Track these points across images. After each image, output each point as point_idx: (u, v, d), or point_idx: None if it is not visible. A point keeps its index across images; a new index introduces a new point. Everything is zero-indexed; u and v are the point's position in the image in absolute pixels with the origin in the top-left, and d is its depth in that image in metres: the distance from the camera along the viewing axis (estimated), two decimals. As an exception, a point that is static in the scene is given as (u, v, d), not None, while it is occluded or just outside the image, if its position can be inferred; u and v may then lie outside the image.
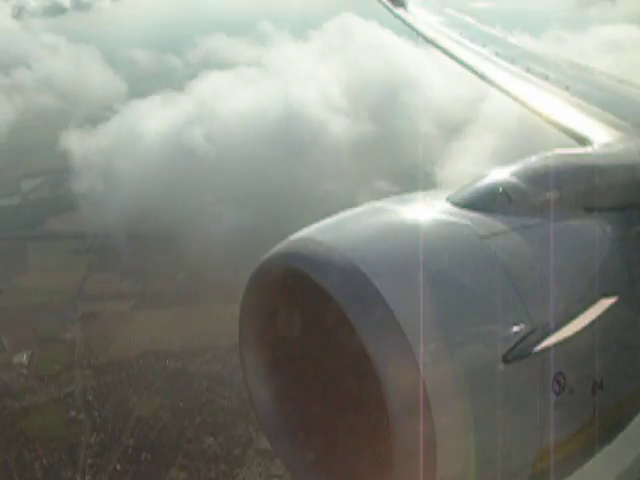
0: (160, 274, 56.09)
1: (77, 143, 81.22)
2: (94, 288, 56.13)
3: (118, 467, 37.76)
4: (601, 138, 3.79)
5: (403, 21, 8.60)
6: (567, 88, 5.00)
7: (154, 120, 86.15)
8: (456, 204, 2.28)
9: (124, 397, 43.18)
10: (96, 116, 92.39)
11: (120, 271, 57.97)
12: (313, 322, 2.15)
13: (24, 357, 47.91)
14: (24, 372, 46.72)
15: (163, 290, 54.01)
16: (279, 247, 2.12)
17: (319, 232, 2.12)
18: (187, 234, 52.85)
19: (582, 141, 3.93)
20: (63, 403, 43.30)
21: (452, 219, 2.18)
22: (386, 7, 9.06)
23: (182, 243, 51.81)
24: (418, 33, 8.00)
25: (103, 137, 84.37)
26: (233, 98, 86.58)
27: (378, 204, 2.30)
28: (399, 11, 8.79)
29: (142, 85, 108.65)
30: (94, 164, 74.75)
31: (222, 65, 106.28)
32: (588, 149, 3.58)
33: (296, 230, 2.18)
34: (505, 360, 1.95)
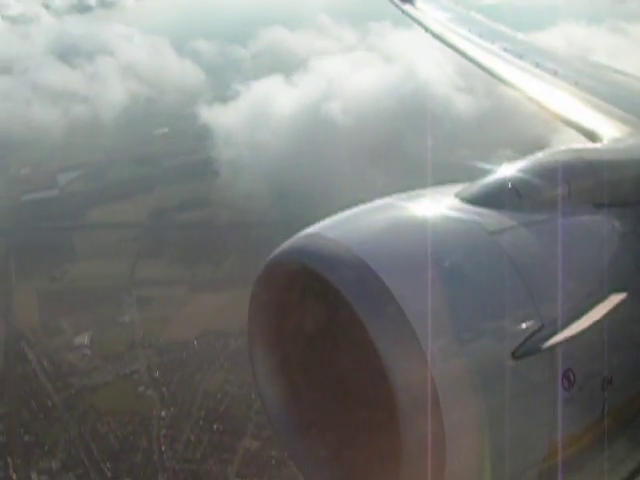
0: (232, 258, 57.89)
1: (213, 120, 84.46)
2: (145, 274, 57.75)
3: (192, 438, 39.40)
4: (610, 133, 3.78)
5: (411, 17, 8.53)
6: (576, 83, 4.97)
7: (279, 100, 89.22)
8: (465, 200, 2.28)
9: (189, 373, 44.83)
10: (207, 100, 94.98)
11: (172, 257, 59.68)
12: (322, 319, 2.16)
13: (85, 338, 49.61)
14: (87, 352, 48.39)
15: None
16: (288, 244, 2.13)
17: (327, 228, 2.13)
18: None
19: (591, 136, 3.94)
20: (130, 380, 44.97)
21: (460, 215, 2.19)
22: (394, 3, 9.05)
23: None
24: (426, 29, 7.94)
25: (236, 115, 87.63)
26: (352, 79, 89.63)
27: (386, 200, 2.31)
28: (407, 7, 8.76)
29: (220, 73, 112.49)
30: (229, 141, 78.10)
31: (292, 55, 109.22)
32: (597, 144, 3.56)
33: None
34: (514, 356, 1.96)
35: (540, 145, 2.77)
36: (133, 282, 57.00)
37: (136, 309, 52.78)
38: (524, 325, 2.01)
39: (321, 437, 2.23)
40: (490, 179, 2.39)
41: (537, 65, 5.67)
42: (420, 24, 8.18)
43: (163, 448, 38.76)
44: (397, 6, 8.89)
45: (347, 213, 2.24)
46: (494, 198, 2.28)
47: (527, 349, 1.97)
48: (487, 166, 2.55)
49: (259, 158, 72.25)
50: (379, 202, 2.30)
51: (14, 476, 38.36)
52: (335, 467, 2.18)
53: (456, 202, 2.28)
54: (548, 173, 2.43)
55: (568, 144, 2.87)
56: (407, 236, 2.05)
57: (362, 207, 2.27)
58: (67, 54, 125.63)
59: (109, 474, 37.66)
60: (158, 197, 72.47)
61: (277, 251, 2.13)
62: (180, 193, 71.20)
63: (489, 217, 2.19)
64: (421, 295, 1.88)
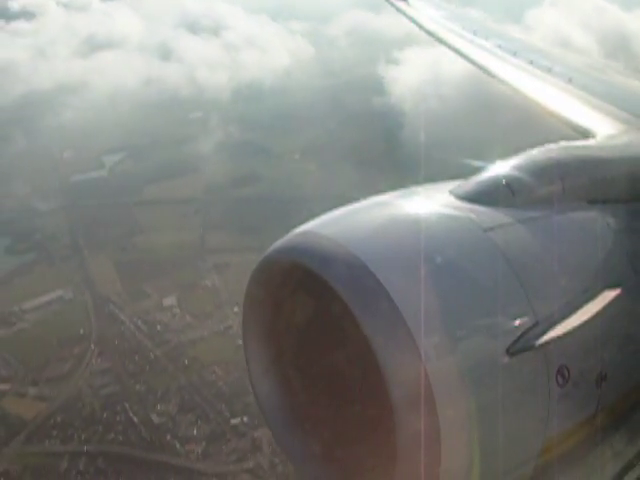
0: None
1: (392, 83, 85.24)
2: (215, 243, 60.59)
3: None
4: (604, 130, 3.81)
5: (405, 14, 8.49)
6: (570, 80, 4.98)
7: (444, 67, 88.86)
8: (459, 197, 2.32)
9: (282, 327, 47.89)
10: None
11: (237, 228, 62.51)
12: (317, 315, 2.23)
13: (173, 300, 52.44)
14: (177, 312, 51.26)
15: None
16: (282, 241, 2.18)
17: (322, 226, 2.17)
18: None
19: (585, 133, 3.96)
20: (226, 335, 47.80)
21: (455, 212, 2.22)
22: (388, 1, 9.07)
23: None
24: (420, 27, 7.94)
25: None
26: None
27: (381, 198, 2.34)
28: (401, 4, 8.73)
29: (328, 48, 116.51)
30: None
31: (382, 34, 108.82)
32: (591, 141, 3.59)
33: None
34: (508, 353, 1.98)
35: (534, 142, 2.78)
36: (205, 250, 59.83)
37: (215, 274, 55.65)
38: (518, 322, 2.03)
39: (315, 433, 2.27)
40: (484, 176, 2.43)
41: (531, 62, 5.68)
42: (414, 21, 8.15)
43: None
44: (391, 3, 8.84)
45: (341, 211, 2.28)
46: (488, 195, 2.31)
47: (521, 345, 2.00)
48: (481, 163, 2.56)
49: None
50: (373, 199, 2.32)
51: (135, 418, 41.25)
52: (329, 463, 2.21)
53: (451, 199, 2.31)
54: (542, 170, 2.47)
55: (562, 141, 2.88)
56: (401, 233, 2.09)
57: (356, 204, 2.31)
58: (195, 30, 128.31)
59: (227, 414, 40.73)
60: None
61: (271, 249, 2.18)
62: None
63: (483, 214, 2.21)
64: (415, 292, 1.91)
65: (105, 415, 41.80)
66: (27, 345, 49.39)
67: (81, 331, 50.50)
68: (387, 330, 1.86)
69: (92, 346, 48.61)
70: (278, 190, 65.37)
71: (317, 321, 2.24)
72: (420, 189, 2.43)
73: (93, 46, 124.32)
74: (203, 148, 79.82)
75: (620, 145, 3.37)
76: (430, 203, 2.27)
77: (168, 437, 39.71)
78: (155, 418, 41.13)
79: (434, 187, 2.46)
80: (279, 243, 2.18)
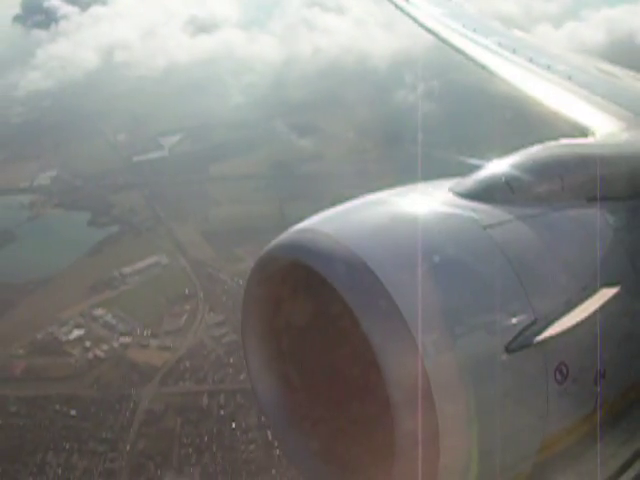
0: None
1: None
2: (294, 213, 64.43)
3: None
4: (604, 128, 3.86)
5: (404, 12, 8.49)
6: (570, 78, 5.03)
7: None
8: (459, 194, 2.32)
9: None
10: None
11: (311, 199, 66.30)
12: (316, 313, 2.23)
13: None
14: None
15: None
16: (282, 238, 2.17)
17: (322, 223, 2.15)
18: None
19: (584, 131, 4.00)
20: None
21: (455, 210, 2.23)
22: None
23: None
24: (420, 24, 7.98)
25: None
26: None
27: (380, 195, 2.35)
28: (400, 2, 8.69)
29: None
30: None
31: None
32: (590, 139, 3.65)
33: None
34: (507, 350, 1.99)
35: (533, 140, 2.74)
36: (286, 219, 63.58)
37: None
38: (517, 319, 2.05)
39: (314, 430, 2.30)
40: (483, 174, 2.45)
41: (530, 60, 5.73)
42: (414, 19, 8.16)
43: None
44: (391, 1, 8.81)
45: (340, 208, 2.29)
46: (488, 192, 2.34)
47: (520, 343, 2.01)
48: (480, 161, 2.60)
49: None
50: (373, 197, 2.35)
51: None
52: (328, 460, 2.24)
53: (450, 196, 2.34)
54: (541, 167, 2.51)
55: (561, 139, 2.91)
56: (401, 231, 2.10)
57: (355, 202, 2.33)
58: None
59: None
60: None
61: (271, 245, 2.19)
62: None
63: (483, 211, 2.24)
64: (415, 290, 1.91)
65: (232, 360, 45.48)
66: (136, 304, 53.16)
67: (186, 291, 54.31)
68: (386, 327, 1.88)
69: (202, 303, 52.42)
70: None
71: (316, 318, 2.27)
72: (419, 186, 2.46)
73: (198, 27, 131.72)
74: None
75: (619, 143, 3.43)
76: (429, 200, 2.30)
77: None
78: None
79: (433, 184, 2.49)
80: (278, 240, 2.19)
